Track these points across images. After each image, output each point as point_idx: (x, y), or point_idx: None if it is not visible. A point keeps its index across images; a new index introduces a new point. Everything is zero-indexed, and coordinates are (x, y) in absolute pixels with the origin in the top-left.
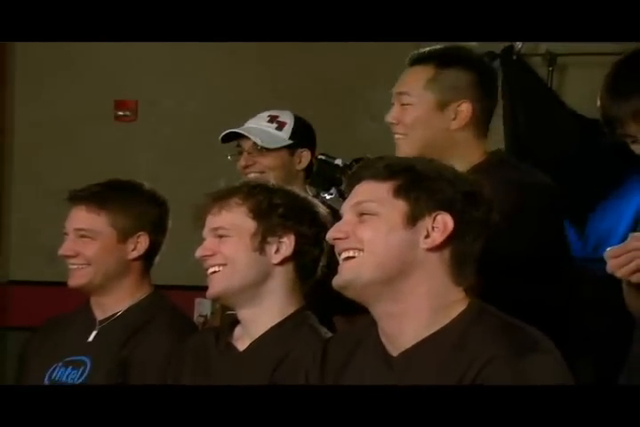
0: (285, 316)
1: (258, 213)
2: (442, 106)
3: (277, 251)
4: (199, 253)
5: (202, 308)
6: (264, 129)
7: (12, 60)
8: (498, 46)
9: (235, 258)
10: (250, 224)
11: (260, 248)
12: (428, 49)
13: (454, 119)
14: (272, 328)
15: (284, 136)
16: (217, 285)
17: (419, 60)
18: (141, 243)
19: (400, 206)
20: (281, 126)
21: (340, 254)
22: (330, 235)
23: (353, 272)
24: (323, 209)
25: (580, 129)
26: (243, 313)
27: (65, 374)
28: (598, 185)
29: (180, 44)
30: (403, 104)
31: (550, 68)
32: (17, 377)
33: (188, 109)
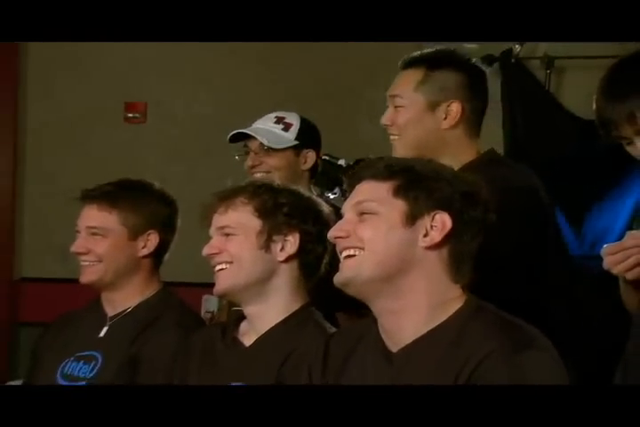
0: (291, 312)
1: (263, 212)
2: (432, 106)
3: (282, 249)
4: (206, 251)
5: (209, 304)
6: (271, 130)
7: (23, 64)
8: (497, 49)
9: (241, 256)
10: (255, 223)
11: (266, 246)
12: (418, 53)
13: (445, 119)
14: (278, 324)
15: (290, 137)
16: (224, 282)
17: (410, 64)
18: (151, 241)
19: (399, 206)
20: (287, 127)
21: (341, 253)
22: (331, 234)
23: (353, 270)
24: (326, 208)
25: (578, 130)
26: (249, 309)
27: (77, 368)
28: (595, 185)
29: (187, 48)
30: (396, 106)
31: (548, 71)
32: (29, 372)
33: (194, 111)
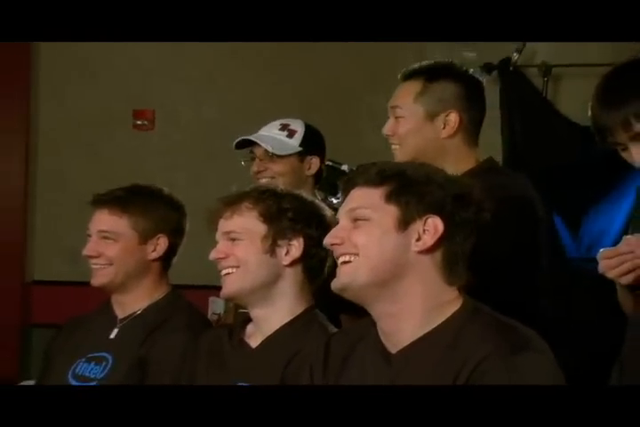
0: (296, 314)
1: (268, 217)
2: (431, 117)
3: (287, 253)
4: (213, 255)
5: (215, 306)
6: (275, 137)
7: (35, 73)
8: (495, 58)
9: (247, 260)
10: (261, 228)
11: (271, 251)
12: (417, 65)
13: (444, 128)
14: (283, 326)
15: (295, 144)
16: (230, 285)
17: (409, 76)
18: (160, 245)
19: (392, 211)
20: (291, 134)
21: (337, 259)
22: (326, 240)
23: (349, 276)
24: (329, 212)
25: (575, 136)
26: (255, 312)
27: (88, 369)
28: (591, 189)
29: (193, 55)
30: (396, 117)
31: (545, 79)
32: (42, 372)
33: (201, 117)
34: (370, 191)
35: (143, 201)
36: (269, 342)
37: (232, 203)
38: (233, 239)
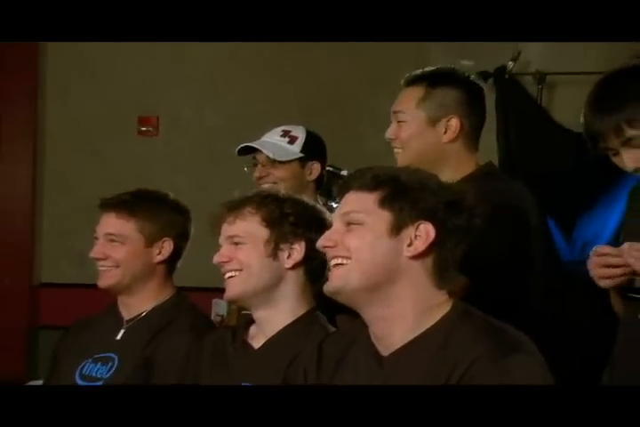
0: (297, 316)
1: (270, 222)
2: (433, 122)
3: (289, 256)
4: (216, 259)
5: (218, 308)
6: (277, 143)
7: (42, 77)
8: (491, 66)
9: (250, 264)
10: (263, 232)
11: (274, 254)
12: (420, 71)
13: (445, 133)
14: (285, 328)
15: (296, 150)
16: (234, 288)
17: (412, 82)
18: (166, 248)
19: (385, 216)
20: (293, 140)
21: (330, 261)
22: (320, 243)
23: (341, 279)
24: (329, 215)
25: (569, 143)
26: (258, 314)
27: (94, 369)
28: (585, 194)
29: (198, 64)
30: (399, 121)
31: (540, 87)
32: (49, 373)
33: (204, 123)
34: (364, 196)
35: (150, 205)
36: (272, 343)
37: (235, 208)
38: (236, 243)
